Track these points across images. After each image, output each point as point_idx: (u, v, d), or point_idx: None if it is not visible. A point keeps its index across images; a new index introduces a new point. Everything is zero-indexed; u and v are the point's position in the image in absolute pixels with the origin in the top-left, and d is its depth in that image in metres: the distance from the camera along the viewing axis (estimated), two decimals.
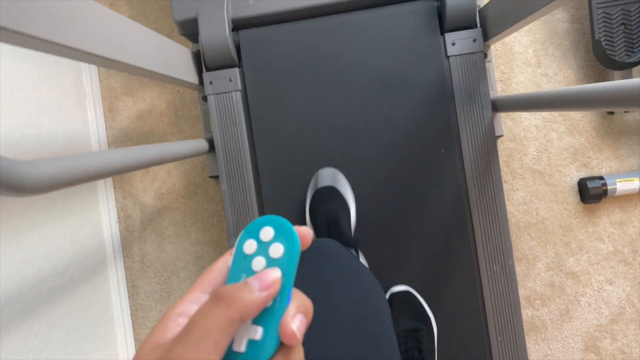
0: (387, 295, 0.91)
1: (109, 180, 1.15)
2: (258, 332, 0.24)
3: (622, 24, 0.97)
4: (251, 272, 0.26)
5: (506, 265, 0.94)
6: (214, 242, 1.14)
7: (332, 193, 0.90)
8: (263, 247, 0.27)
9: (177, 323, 0.25)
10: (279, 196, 0.97)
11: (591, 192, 1.04)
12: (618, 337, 1.07)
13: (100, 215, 1.11)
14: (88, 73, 1.14)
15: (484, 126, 0.95)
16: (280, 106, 0.97)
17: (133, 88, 1.16)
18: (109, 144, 1.16)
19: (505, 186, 1.10)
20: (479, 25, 0.94)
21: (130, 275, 1.15)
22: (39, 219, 0.90)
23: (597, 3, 0.98)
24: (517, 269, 1.09)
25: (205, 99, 1.03)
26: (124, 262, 1.15)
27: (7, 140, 0.84)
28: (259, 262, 0.26)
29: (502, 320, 0.94)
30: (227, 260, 0.28)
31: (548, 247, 1.09)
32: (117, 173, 0.61)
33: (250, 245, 0.27)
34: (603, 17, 0.98)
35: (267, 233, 0.27)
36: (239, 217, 0.98)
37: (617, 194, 1.04)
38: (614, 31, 0.97)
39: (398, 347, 0.84)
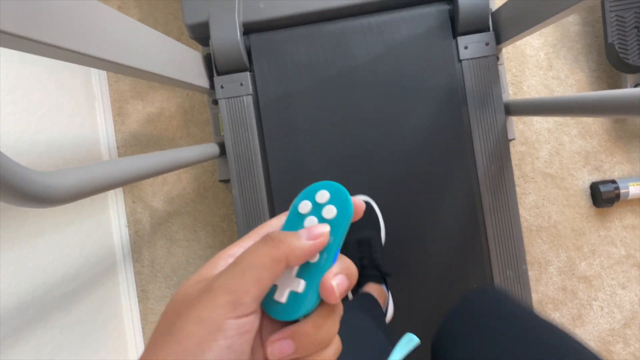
0: None
1: None
2: (301, 285, 0.25)
3: (635, 27, 0.97)
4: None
5: (519, 270, 0.93)
6: (223, 246, 1.14)
7: (366, 208, 0.92)
8: (317, 208, 0.28)
9: (226, 262, 0.25)
10: (290, 201, 0.96)
11: (604, 196, 1.04)
12: (630, 342, 1.07)
13: (110, 220, 1.11)
14: (97, 77, 1.14)
15: (497, 130, 0.94)
16: (292, 110, 0.97)
17: (142, 91, 1.16)
18: (118, 148, 1.15)
19: (517, 190, 1.09)
20: (491, 28, 0.94)
21: (140, 280, 1.14)
22: (50, 224, 0.89)
23: (610, 6, 0.97)
24: (529, 273, 1.08)
25: (215, 102, 1.03)
26: (134, 267, 1.15)
27: (19, 145, 0.84)
28: (311, 221, 0.27)
29: None
30: (281, 219, 0.29)
31: (560, 251, 1.08)
32: (135, 181, 0.61)
33: (305, 206, 0.28)
34: (616, 20, 0.97)
35: (322, 196, 0.28)
36: (250, 221, 0.98)
37: (629, 197, 1.04)
38: (628, 34, 0.97)
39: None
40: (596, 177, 1.08)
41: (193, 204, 1.14)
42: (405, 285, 0.93)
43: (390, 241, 0.93)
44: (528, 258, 1.08)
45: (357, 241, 0.90)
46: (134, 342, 1.11)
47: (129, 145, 1.15)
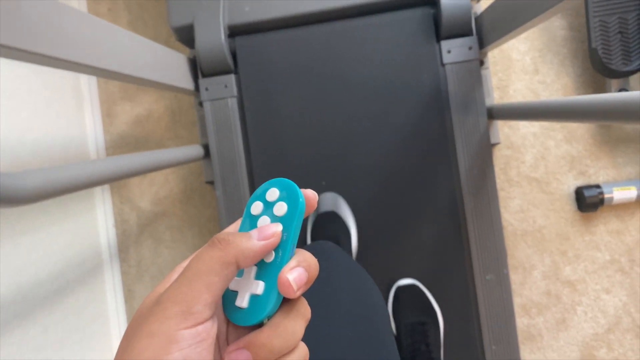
0: (394, 289, 0.91)
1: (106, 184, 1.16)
2: (260, 287, 0.25)
3: (619, 32, 0.97)
4: None
5: (501, 274, 0.93)
6: None
7: (332, 218, 0.91)
8: (268, 207, 0.27)
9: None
10: None
11: (588, 201, 1.04)
12: (614, 347, 1.07)
13: (97, 219, 1.12)
14: (87, 78, 1.15)
15: (480, 134, 0.95)
16: (276, 113, 0.97)
17: (131, 93, 1.17)
18: (106, 149, 1.17)
19: (502, 194, 1.09)
20: (474, 32, 0.94)
21: (126, 280, 1.15)
22: (35, 222, 0.90)
23: (594, 11, 0.97)
24: (514, 277, 1.08)
25: (202, 104, 1.03)
26: (121, 267, 1.16)
27: (4, 145, 0.85)
28: (264, 221, 0.27)
29: (496, 329, 0.94)
30: (238, 223, 0.29)
31: (544, 255, 1.08)
32: (109, 182, 0.61)
33: (257, 207, 0.28)
34: (600, 25, 0.97)
35: (272, 194, 0.28)
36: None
37: (614, 202, 1.04)
38: (611, 39, 0.97)
39: (405, 339, 0.85)
40: (581, 182, 1.08)
41: (180, 205, 1.15)
42: (382, 291, 0.93)
43: (370, 243, 0.94)
44: (512, 262, 1.08)
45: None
46: (120, 341, 1.11)
47: (117, 146, 1.16)
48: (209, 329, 0.22)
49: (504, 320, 0.94)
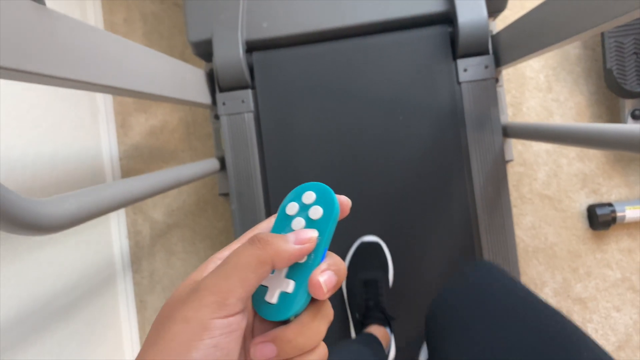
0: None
1: None
2: (290, 285, 0.26)
3: (634, 53, 0.97)
4: (290, 231, 0.28)
5: None
6: None
7: (376, 249, 0.92)
8: (304, 209, 0.28)
9: (215, 265, 0.26)
10: None
11: (600, 219, 1.04)
12: None
13: (110, 231, 1.12)
14: None
15: (494, 152, 0.95)
16: (292, 128, 0.98)
17: (145, 104, 1.17)
18: (120, 159, 1.17)
19: (514, 211, 1.10)
20: (491, 52, 0.95)
21: (139, 291, 1.15)
22: (52, 236, 0.91)
23: (609, 32, 0.98)
24: None
25: (217, 117, 1.04)
26: (133, 278, 1.16)
27: (24, 159, 0.85)
28: (298, 222, 0.28)
29: None
30: (270, 221, 0.30)
31: (556, 272, 1.09)
32: (135, 202, 0.62)
33: (292, 207, 0.29)
34: (615, 45, 0.98)
35: (309, 197, 0.29)
36: None
37: (626, 221, 1.04)
38: (626, 60, 0.98)
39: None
40: (593, 200, 1.09)
41: (192, 217, 1.16)
42: (395, 306, 0.94)
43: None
44: (524, 279, 1.09)
45: (364, 282, 0.89)
46: (132, 352, 1.12)
47: (132, 157, 1.17)
48: (240, 321, 0.24)
49: None
